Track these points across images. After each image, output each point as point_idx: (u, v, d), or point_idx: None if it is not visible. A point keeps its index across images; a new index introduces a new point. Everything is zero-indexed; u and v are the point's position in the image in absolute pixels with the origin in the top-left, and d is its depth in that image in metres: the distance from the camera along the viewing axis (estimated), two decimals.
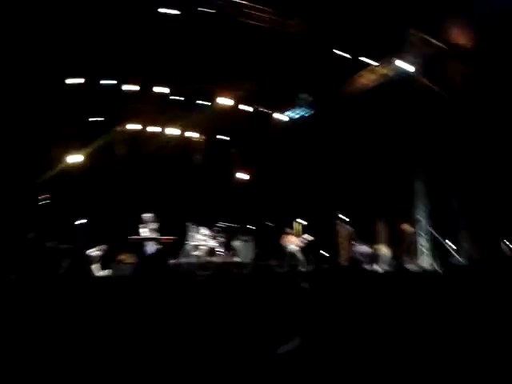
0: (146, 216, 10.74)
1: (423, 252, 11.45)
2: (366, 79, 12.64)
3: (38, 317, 2.03)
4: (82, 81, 11.62)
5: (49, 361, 1.78)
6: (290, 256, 11.50)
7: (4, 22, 9.26)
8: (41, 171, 11.34)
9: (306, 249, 11.33)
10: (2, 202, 9.93)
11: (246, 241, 12.11)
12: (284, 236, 11.77)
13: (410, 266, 10.61)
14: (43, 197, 11.27)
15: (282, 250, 11.47)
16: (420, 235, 11.60)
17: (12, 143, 10.49)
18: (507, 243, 10.21)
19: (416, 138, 11.55)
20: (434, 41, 11.30)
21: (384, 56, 11.90)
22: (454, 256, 11.04)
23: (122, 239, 10.77)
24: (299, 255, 11.43)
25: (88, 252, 9.91)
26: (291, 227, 11.55)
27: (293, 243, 11.51)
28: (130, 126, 14.09)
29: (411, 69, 11.70)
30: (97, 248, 9.99)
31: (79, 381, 1.73)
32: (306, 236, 11.31)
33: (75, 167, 12.50)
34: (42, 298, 2.53)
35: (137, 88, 12.26)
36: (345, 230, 12.37)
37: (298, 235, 11.51)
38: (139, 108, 13.49)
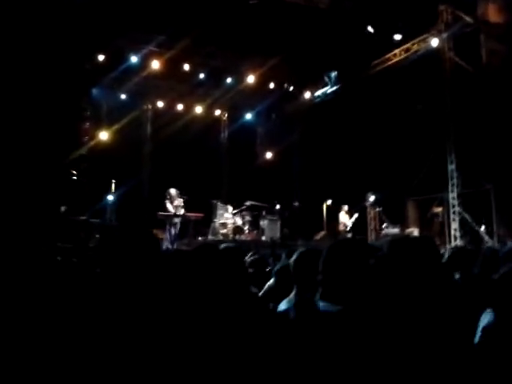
0: (173, 192, 10.98)
1: (455, 236, 11.48)
2: (396, 57, 12.79)
3: (68, 290, 1.98)
4: (107, 57, 12.03)
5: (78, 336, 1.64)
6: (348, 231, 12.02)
7: None
8: (71, 148, 11.82)
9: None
10: (35, 178, 10.24)
11: (272, 220, 12.27)
12: (340, 213, 12.21)
13: (441, 251, 10.66)
14: (74, 172, 11.66)
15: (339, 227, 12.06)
16: (452, 219, 11.61)
17: (41, 120, 10.74)
18: None
19: (448, 116, 11.59)
20: (466, 17, 11.30)
21: (415, 32, 12.00)
22: (486, 241, 11.13)
23: (151, 214, 11.13)
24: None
25: None
26: (320, 208, 11.82)
27: (348, 220, 12.12)
28: (157, 104, 14.57)
29: (442, 46, 11.69)
30: None
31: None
32: (355, 215, 11.91)
33: (104, 144, 12.95)
34: (72, 271, 2.61)
35: (162, 65, 12.58)
36: (374, 211, 12.70)
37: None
38: (165, 86, 13.86)
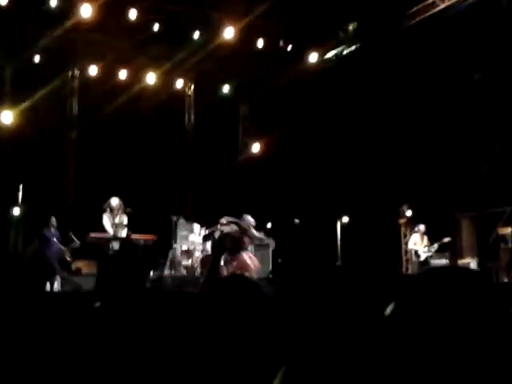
0: (116, 203, 10.88)
1: None
2: (444, 2, 12.97)
3: None
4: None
5: None
6: (422, 264, 12.49)
7: None
8: None
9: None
10: None
11: (261, 245, 12.07)
12: (413, 236, 12.68)
13: None
14: None
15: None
16: None
17: None
18: None
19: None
20: None
21: None
22: None
23: (76, 237, 11.29)
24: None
25: None
26: (333, 226, 12.07)
27: (422, 245, 12.55)
28: (89, 70, 14.40)
29: None
30: None
31: None
32: (445, 239, 12.46)
33: (8, 130, 12.96)
34: None
35: (96, 12, 12.39)
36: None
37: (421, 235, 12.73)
38: (101, 43, 13.78)
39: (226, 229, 10.94)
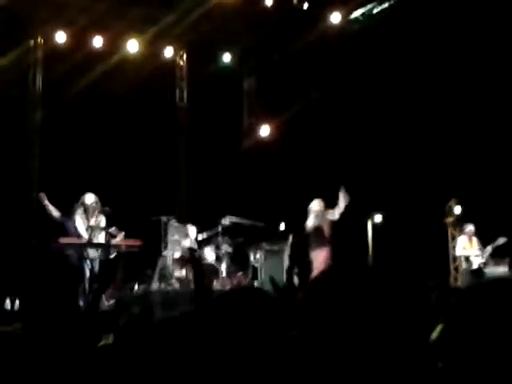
0: (91, 200, 10.91)
1: None
2: None
3: None
4: None
5: None
6: (474, 273, 12.62)
7: None
8: None
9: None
10: None
11: (273, 251, 12.40)
12: (460, 238, 13.02)
13: None
14: None
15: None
16: None
17: None
18: None
19: None
20: None
21: None
22: None
23: (40, 244, 11.60)
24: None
25: None
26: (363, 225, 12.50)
27: (472, 251, 12.80)
28: (55, 37, 14.14)
29: None
30: None
31: None
32: (500, 240, 12.52)
33: None
34: None
35: None
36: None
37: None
38: (72, 2, 13.62)
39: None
